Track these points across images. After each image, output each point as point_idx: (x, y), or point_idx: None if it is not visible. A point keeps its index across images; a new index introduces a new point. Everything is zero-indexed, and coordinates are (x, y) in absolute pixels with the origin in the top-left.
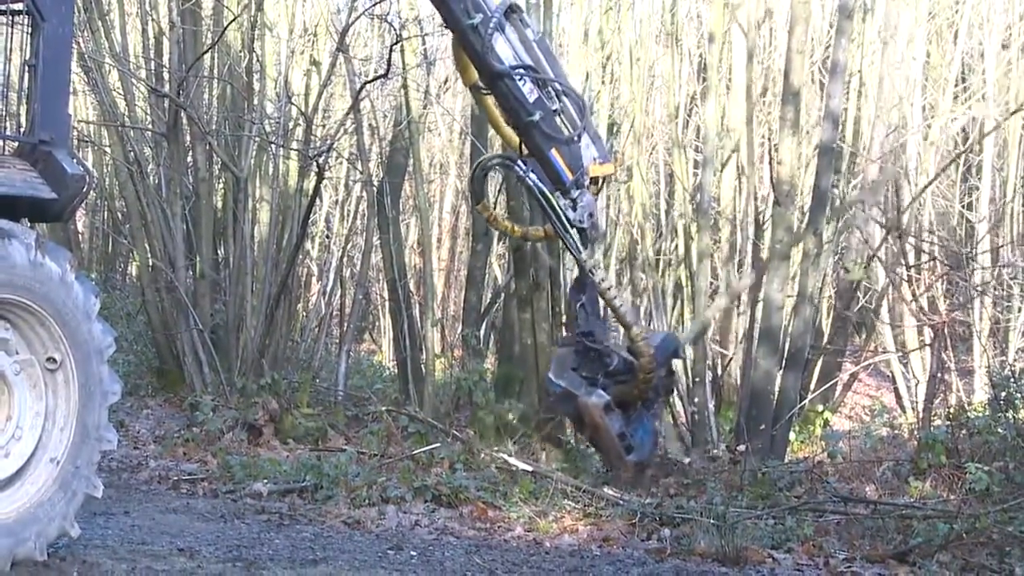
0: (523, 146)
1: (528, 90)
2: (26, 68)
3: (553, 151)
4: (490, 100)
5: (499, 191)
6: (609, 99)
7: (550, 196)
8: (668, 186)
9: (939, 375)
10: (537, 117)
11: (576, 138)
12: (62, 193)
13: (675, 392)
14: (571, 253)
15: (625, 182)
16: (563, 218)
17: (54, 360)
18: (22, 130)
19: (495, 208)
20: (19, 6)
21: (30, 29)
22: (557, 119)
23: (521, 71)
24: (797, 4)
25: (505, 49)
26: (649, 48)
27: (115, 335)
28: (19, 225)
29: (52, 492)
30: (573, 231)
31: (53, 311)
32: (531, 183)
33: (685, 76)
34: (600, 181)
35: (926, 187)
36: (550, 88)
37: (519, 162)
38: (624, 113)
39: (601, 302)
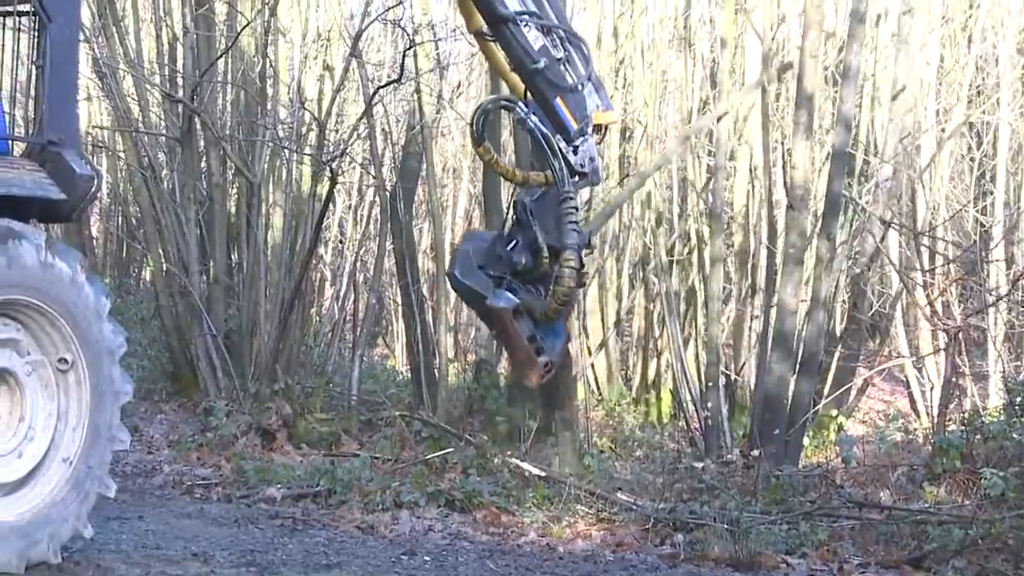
0: (527, 93)
1: (533, 37)
2: (34, 69)
3: (558, 99)
4: (495, 47)
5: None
6: (622, 103)
7: (551, 139)
8: (681, 190)
9: (954, 380)
10: (542, 65)
11: (581, 86)
12: (71, 194)
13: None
14: (558, 186)
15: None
16: (563, 161)
17: (66, 361)
18: (31, 131)
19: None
20: (26, 7)
21: (37, 30)
22: (562, 67)
23: (526, 16)
24: (810, 8)
25: None
26: (662, 52)
27: (126, 335)
28: (29, 226)
29: (65, 493)
30: (573, 175)
31: (64, 312)
32: (532, 125)
33: (698, 80)
34: (603, 129)
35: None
36: (554, 35)
37: (520, 104)
38: (637, 117)
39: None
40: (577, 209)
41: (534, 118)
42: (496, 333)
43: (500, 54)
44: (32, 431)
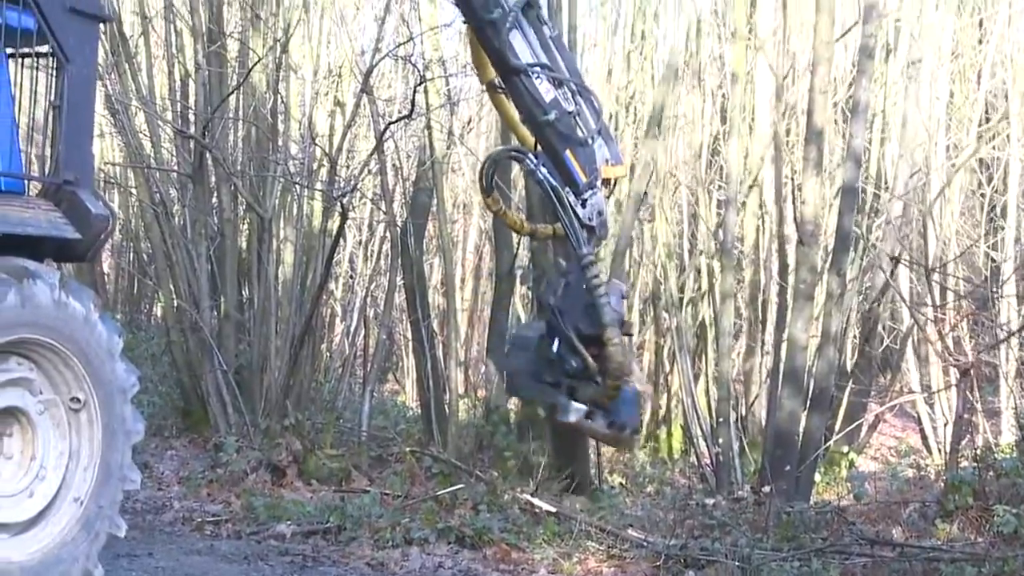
0: (537, 145)
1: (544, 89)
2: (51, 109)
3: (568, 152)
4: (505, 99)
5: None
6: (632, 139)
7: (560, 191)
8: (691, 225)
9: (966, 416)
10: (552, 117)
11: (591, 139)
12: (86, 233)
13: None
14: (574, 249)
15: (649, 221)
16: (572, 215)
17: (78, 400)
18: (46, 170)
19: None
20: (44, 48)
21: (54, 70)
22: (572, 120)
23: (538, 69)
24: (820, 45)
25: (522, 46)
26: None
27: (139, 374)
28: (43, 265)
29: (75, 532)
30: (582, 229)
31: (77, 350)
32: (541, 177)
33: (708, 116)
34: (612, 182)
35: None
36: (566, 88)
37: (529, 155)
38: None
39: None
40: (599, 276)
41: (543, 170)
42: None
43: (511, 106)
44: (43, 470)
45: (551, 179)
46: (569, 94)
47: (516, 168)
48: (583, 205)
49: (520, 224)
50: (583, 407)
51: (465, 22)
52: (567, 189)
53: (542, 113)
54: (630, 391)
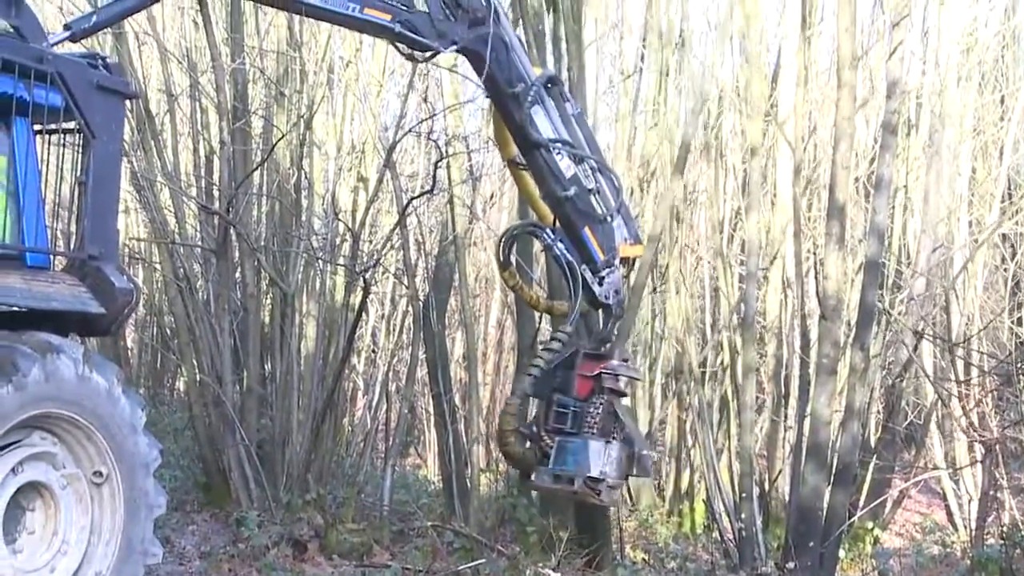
0: (556, 221)
1: (565, 165)
2: (77, 185)
3: (586, 229)
4: (526, 175)
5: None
6: (652, 213)
7: (577, 269)
8: (713, 299)
9: (991, 492)
10: (572, 193)
11: (610, 217)
12: (110, 307)
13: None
14: (568, 321)
15: (674, 294)
16: (580, 293)
17: (100, 474)
18: (72, 245)
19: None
20: (71, 124)
21: (81, 146)
22: (592, 197)
23: (559, 144)
24: (842, 121)
25: (543, 121)
26: (693, 164)
27: (161, 448)
28: (67, 340)
29: None
30: (594, 305)
31: (100, 425)
32: (558, 252)
33: (729, 190)
34: (631, 261)
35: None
36: (586, 164)
37: (547, 231)
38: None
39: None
40: (552, 351)
41: (560, 245)
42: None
43: (531, 182)
44: (65, 545)
45: (568, 255)
46: (589, 171)
47: (537, 243)
48: (600, 283)
49: (536, 300)
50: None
51: (488, 97)
52: (584, 266)
53: (561, 189)
54: (574, 443)
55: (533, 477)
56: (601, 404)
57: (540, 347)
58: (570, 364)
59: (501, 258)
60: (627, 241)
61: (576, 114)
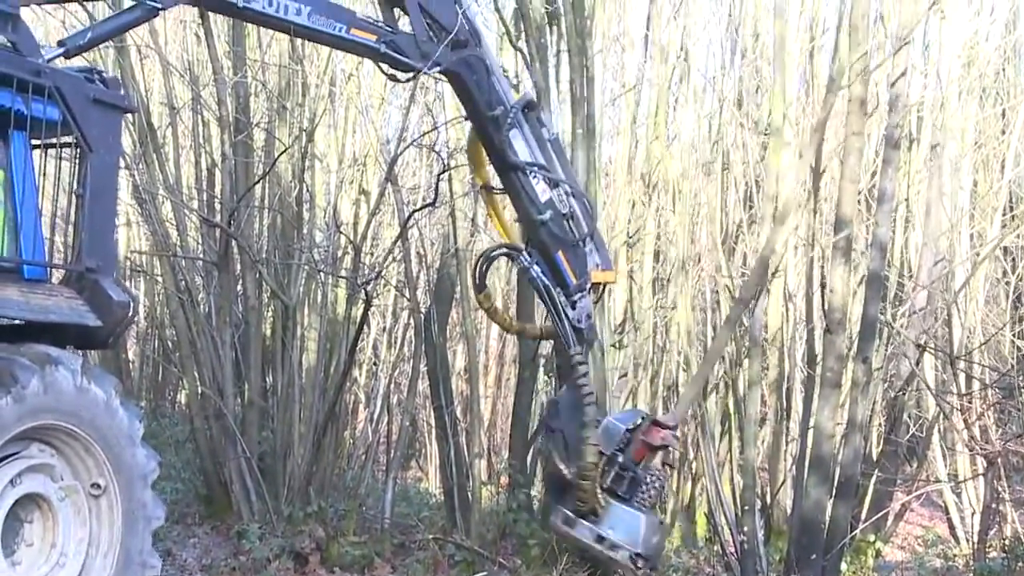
0: (528, 244)
1: (541, 189)
2: (74, 198)
3: (560, 253)
4: (496, 199)
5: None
6: (655, 227)
7: (552, 292)
8: (715, 313)
9: (994, 505)
10: (547, 217)
11: (582, 243)
12: (107, 320)
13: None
14: (565, 348)
15: (672, 308)
16: (562, 316)
17: (99, 486)
18: (69, 258)
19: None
20: (69, 138)
21: (78, 160)
22: (566, 222)
23: (535, 168)
24: (850, 137)
25: (521, 145)
26: (694, 177)
27: (159, 459)
28: (66, 352)
29: None
30: (572, 330)
31: (98, 437)
32: (534, 275)
33: (731, 204)
34: (601, 288)
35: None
36: (561, 189)
37: (523, 254)
38: (670, 241)
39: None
40: (586, 375)
41: (536, 268)
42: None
43: (500, 207)
44: (64, 557)
45: (543, 278)
46: (564, 196)
47: (505, 265)
48: (573, 307)
49: (509, 323)
50: (561, 510)
51: (467, 118)
52: (558, 290)
53: (537, 212)
54: (628, 511)
55: (563, 523)
56: (660, 478)
57: (576, 387)
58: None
59: (476, 280)
60: (598, 267)
61: (552, 139)
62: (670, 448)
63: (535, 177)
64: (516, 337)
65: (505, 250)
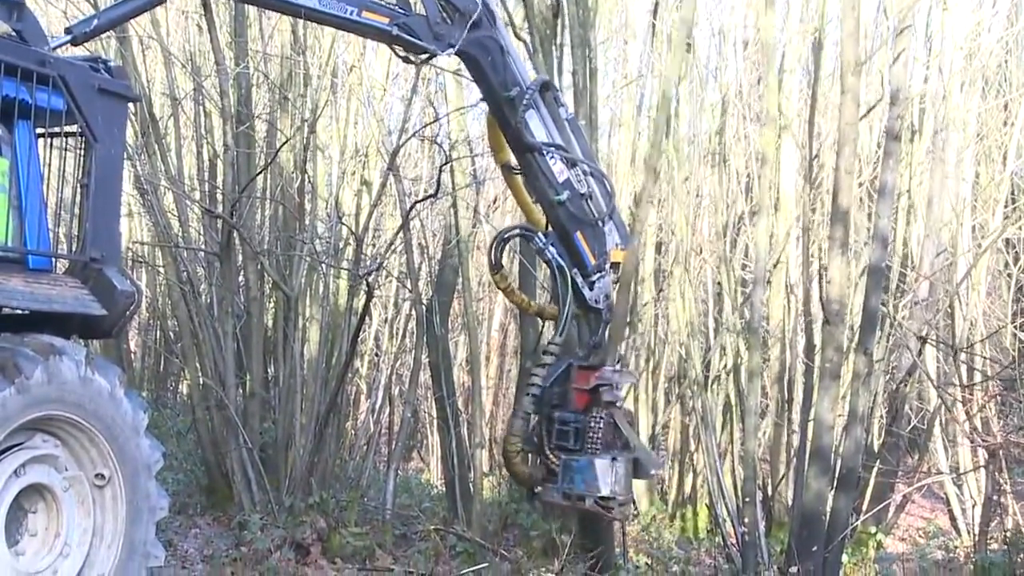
0: (548, 225)
1: (558, 170)
2: (79, 188)
3: (578, 234)
4: (519, 180)
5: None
6: (657, 218)
7: (568, 272)
8: (716, 304)
9: (995, 497)
10: (565, 197)
11: (601, 222)
12: (112, 310)
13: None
14: (557, 331)
15: (673, 300)
16: (580, 296)
17: (102, 476)
18: (74, 248)
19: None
20: (73, 128)
21: (83, 150)
22: (584, 202)
23: (552, 149)
24: (845, 127)
25: (538, 125)
26: (697, 168)
27: (163, 450)
28: (70, 342)
29: None
30: (575, 312)
31: (102, 427)
32: (550, 256)
33: (733, 195)
34: (621, 267)
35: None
36: (579, 169)
37: (539, 235)
38: (671, 232)
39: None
40: (546, 365)
41: (552, 249)
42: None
43: (523, 188)
44: (67, 548)
45: (560, 259)
46: (582, 176)
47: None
48: (591, 288)
49: (527, 303)
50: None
51: (483, 100)
52: (575, 270)
53: (554, 193)
54: (579, 461)
55: (542, 494)
56: (601, 419)
57: (533, 365)
58: (565, 378)
59: (493, 261)
60: (619, 246)
61: (570, 119)
62: (612, 384)
63: (552, 158)
64: (518, 328)
65: (521, 231)
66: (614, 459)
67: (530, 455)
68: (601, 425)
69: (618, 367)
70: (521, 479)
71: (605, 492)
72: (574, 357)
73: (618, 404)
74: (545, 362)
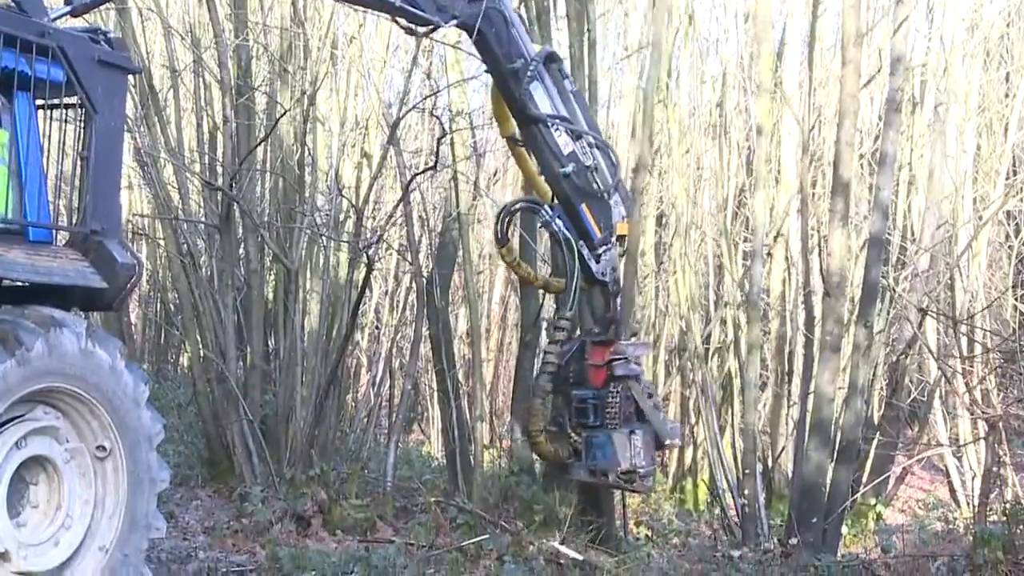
0: (554, 198)
1: (563, 142)
2: (79, 160)
3: (583, 206)
4: (525, 152)
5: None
6: (657, 191)
7: (575, 245)
8: (717, 277)
9: (995, 469)
10: (570, 169)
11: (607, 194)
12: (113, 282)
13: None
14: (566, 306)
15: (674, 273)
16: (587, 269)
17: (104, 448)
18: (74, 220)
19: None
20: (73, 99)
21: (83, 122)
22: (589, 174)
23: (557, 120)
24: (846, 98)
25: (542, 97)
26: (697, 141)
27: (164, 423)
28: (71, 314)
29: None
30: (581, 285)
31: (103, 399)
32: (556, 229)
33: (734, 168)
34: (627, 240)
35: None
36: (584, 141)
37: (545, 207)
38: (672, 205)
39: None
40: (559, 341)
41: (559, 222)
42: None
43: (530, 160)
44: (69, 519)
45: (566, 232)
46: (587, 148)
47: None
48: (597, 260)
49: (533, 276)
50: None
51: (488, 72)
52: (582, 242)
53: (559, 165)
54: (599, 436)
55: (570, 471)
56: (618, 392)
57: (547, 342)
58: (580, 355)
59: (499, 234)
60: (624, 219)
61: (574, 91)
62: (627, 358)
63: (557, 130)
64: (519, 300)
65: (527, 204)
66: (632, 432)
67: (555, 435)
68: (618, 400)
69: (632, 340)
70: (548, 458)
71: (625, 466)
72: (587, 333)
73: (636, 376)
74: (558, 338)
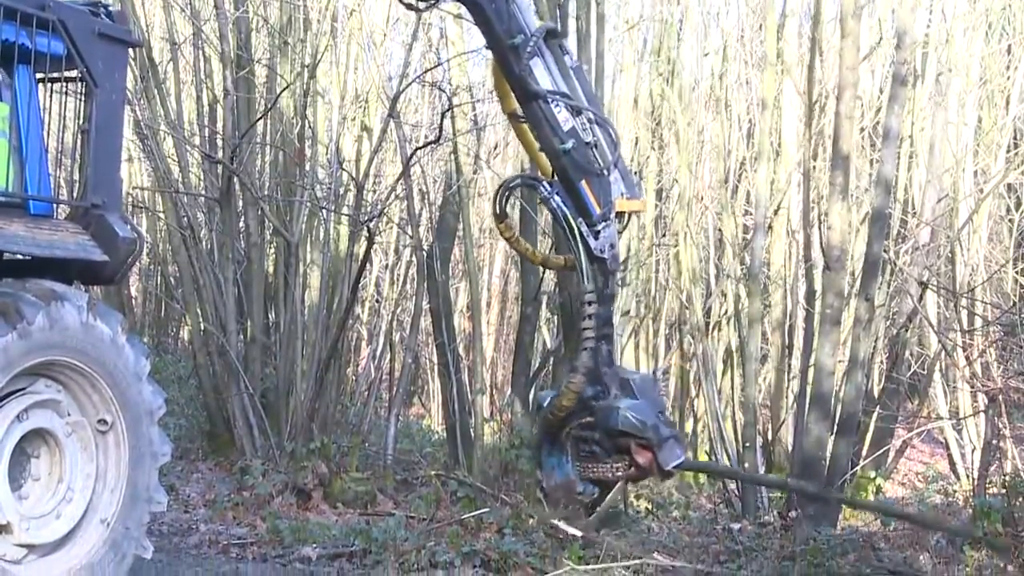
0: (554, 174)
1: (563, 118)
2: (80, 133)
3: (583, 182)
4: (526, 128)
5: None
6: (658, 164)
7: (573, 222)
8: (718, 250)
9: (994, 442)
10: (570, 146)
11: (607, 171)
12: (114, 256)
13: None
14: (582, 282)
15: (675, 247)
16: (583, 246)
17: (105, 422)
18: (75, 194)
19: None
20: (73, 73)
21: (83, 95)
22: (589, 151)
23: (557, 96)
24: (845, 71)
25: (542, 72)
26: (698, 114)
27: (165, 396)
28: (72, 288)
29: (102, 554)
30: (591, 262)
31: (104, 373)
32: (555, 206)
33: (735, 141)
34: (626, 217)
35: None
36: (584, 118)
37: (544, 183)
38: (673, 178)
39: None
40: (590, 316)
41: (558, 198)
42: None
43: (532, 135)
44: (71, 492)
45: (565, 208)
46: (587, 124)
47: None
48: (596, 237)
49: (531, 252)
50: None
51: (488, 47)
52: (580, 219)
53: (559, 141)
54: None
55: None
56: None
57: (579, 320)
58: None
59: (497, 210)
60: (624, 196)
61: (575, 67)
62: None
63: (557, 106)
64: (519, 274)
65: (527, 180)
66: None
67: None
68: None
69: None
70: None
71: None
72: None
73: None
74: (588, 312)
